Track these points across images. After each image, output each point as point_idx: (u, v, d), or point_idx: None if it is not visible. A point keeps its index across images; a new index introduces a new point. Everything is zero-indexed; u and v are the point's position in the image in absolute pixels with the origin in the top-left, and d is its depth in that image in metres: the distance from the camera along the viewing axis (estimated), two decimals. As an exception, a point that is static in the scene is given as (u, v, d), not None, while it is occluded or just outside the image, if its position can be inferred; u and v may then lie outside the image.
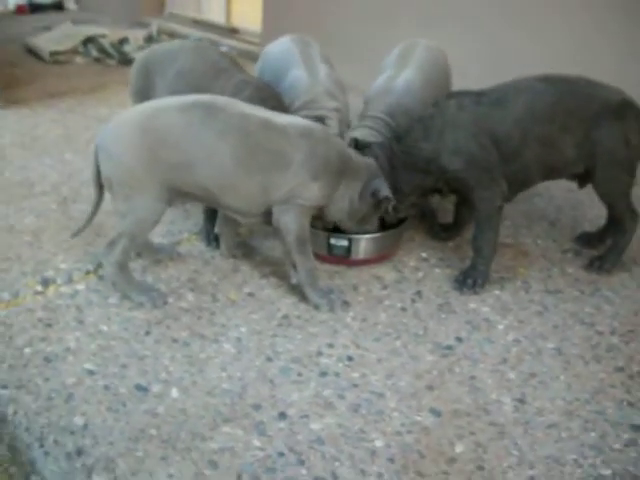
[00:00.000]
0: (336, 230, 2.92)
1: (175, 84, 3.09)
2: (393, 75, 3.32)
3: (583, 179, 2.97)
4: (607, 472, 2.01)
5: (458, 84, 3.16)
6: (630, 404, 2.28)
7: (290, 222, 2.62)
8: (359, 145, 2.92)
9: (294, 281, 2.73)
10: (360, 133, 3.09)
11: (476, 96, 2.84)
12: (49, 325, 2.51)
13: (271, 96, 3.02)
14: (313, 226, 2.78)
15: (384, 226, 2.99)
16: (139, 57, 3.34)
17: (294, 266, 2.70)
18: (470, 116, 2.79)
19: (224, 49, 6.12)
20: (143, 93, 3.22)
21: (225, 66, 3.12)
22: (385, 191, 2.72)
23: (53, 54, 6.05)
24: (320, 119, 3.00)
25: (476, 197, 2.81)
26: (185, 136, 2.49)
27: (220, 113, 2.53)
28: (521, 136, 2.77)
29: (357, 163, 2.74)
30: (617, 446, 2.11)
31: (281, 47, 3.53)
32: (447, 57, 3.59)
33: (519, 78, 2.89)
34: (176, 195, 2.62)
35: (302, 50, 3.42)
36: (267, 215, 2.68)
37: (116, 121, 2.59)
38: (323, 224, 2.90)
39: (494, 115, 2.79)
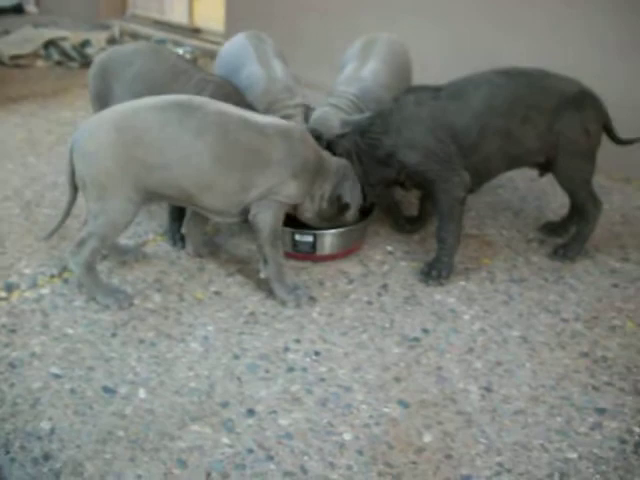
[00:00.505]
0: (301, 226, 2.93)
1: (134, 87, 3.05)
2: (358, 66, 3.36)
3: (544, 167, 3.01)
4: (573, 455, 2.04)
5: (433, 79, 3.15)
6: (595, 388, 2.32)
7: (268, 217, 2.63)
8: (328, 143, 2.93)
9: (262, 275, 2.73)
10: (323, 111, 3.12)
11: (434, 91, 2.87)
12: (13, 331, 2.49)
13: (233, 92, 3.02)
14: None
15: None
16: (95, 61, 3.28)
17: (265, 260, 2.70)
18: (427, 111, 2.82)
19: (187, 49, 6.13)
20: (101, 97, 3.18)
21: (183, 67, 3.10)
22: (348, 197, 2.76)
23: (13, 58, 5.97)
24: (287, 118, 3.02)
25: (437, 190, 2.84)
26: (162, 136, 2.49)
27: (197, 112, 2.53)
28: (480, 129, 2.80)
29: (329, 165, 2.77)
30: (583, 430, 2.14)
31: (236, 44, 3.55)
32: (408, 50, 3.62)
33: (478, 72, 2.92)
34: (150, 196, 2.60)
35: (256, 46, 3.45)
36: (243, 213, 2.68)
37: (92, 120, 2.58)
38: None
39: (452, 109, 2.82)
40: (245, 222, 2.72)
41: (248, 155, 2.56)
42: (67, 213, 2.71)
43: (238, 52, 3.47)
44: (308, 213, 2.80)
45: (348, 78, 3.33)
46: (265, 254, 2.68)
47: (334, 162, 2.80)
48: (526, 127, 2.83)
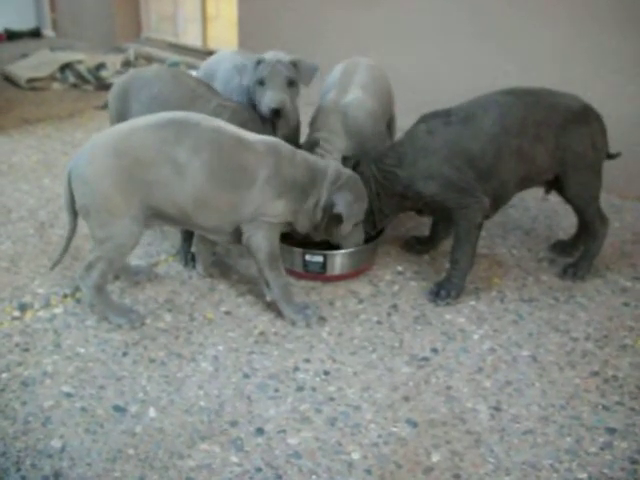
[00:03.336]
0: (312, 246, 2.94)
1: (151, 109, 3.10)
2: (339, 94, 3.32)
3: (550, 185, 3.01)
4: (583, 475, 2.03)
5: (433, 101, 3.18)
6: (605, 408, 2.30)
7: (260, 240, 2.64)
8: (349, 163, 2.95)
9: (269, 298, 2.74)
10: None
11: (445, 117, 2.86)
12: (26, 349, 2.51)
13: (250, 119, 3.06)
14: (288, 243, 2.82)
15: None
16: (117, 82, 3.36)
17: (267, 283, 2.71)
18: (441, 139, 2.82)
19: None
20: (121, 117, 3.24)
21: (201, 91, 3.15)
22: (340, 207, 2.68)
23: (30, 81, 6.07)
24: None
25: (457, 216, 2.83)
26: (159, 154, 2.50)
27: (193, 129, 2.54)
28: (496, 151, 2.79)
29: (326, 175, 2.72)
30: (593, 449, 2.13)
31: (224, 57, 3.69)
32: (387, 75, 3.64)
33: (484, 94, 2.93)
34: (152, 216, 2.62)
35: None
36: (237, 234, 2.70)
37: (88, 147, 2.56)
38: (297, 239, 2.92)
39: (465, 134, 2.80)
40: (239, 243, 2.72)
41: (238, 172, 2.57)
42: (70, 240, 2.69)
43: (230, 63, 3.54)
44: (304, 226, 2.77)
45: (327, 108, 3.27)
46: (266, 277, 2.69)
47: (334, 172, 2.74)
48: (537, 145, 2.83)
